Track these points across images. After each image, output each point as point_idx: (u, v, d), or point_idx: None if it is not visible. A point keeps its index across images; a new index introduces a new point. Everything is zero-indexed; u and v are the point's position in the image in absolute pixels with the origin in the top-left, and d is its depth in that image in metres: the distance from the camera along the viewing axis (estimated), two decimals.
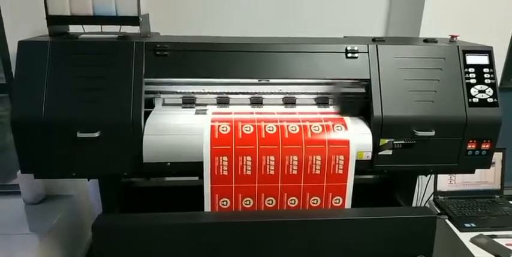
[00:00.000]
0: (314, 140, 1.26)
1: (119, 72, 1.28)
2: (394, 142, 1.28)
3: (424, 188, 1.84)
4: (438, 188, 1.82)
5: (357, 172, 1.30)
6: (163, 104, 1.43)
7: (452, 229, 1.62)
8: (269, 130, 1.26)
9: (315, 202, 1.31)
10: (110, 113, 1.25)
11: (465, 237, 1.56)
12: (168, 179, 1.68)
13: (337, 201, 1.31)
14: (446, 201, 1.80)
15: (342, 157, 1.26)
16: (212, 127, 1.25)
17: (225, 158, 1.23)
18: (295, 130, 1.26)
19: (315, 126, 1.28)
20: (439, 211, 1.74)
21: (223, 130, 1.24)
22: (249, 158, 1.24)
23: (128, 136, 1.25)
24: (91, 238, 1.24)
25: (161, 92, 1.41)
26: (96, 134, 1.23)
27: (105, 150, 1.26)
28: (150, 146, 1.25)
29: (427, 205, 1.84)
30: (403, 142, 1.28)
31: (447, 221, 1.66)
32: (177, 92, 1.41)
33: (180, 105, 1.42)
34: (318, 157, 1.25)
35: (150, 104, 1.42)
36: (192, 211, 1.29)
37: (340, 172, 1.28)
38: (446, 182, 1.82)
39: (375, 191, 1.61)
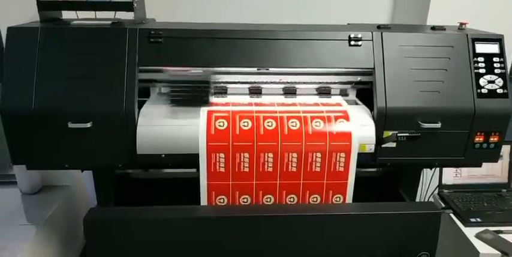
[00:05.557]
0: (315, 137, 1.20)
1: (111, 60, 1.22)
2: (398, 134, 1.22)
3: (429, 181, 1.79)
4: (443, 181, 1.76)
5: (359, 165, 1.25)
6: (159, 93, 1.39)
7: (457, 223, 1.57)
8: (268, 126, 1.20)
9: (315, 200, 1.27)
10: (102, 102, 1.20)
11: (470, 232, 1.51)
12: (166, 170, 1.64)
13: (338, 199, 1.27)
14: (452, 195, 1.74)
15: (343, 154, 1.21)
16: (208, 120, 1.20)
17: (222, 155, 1.19)
18: (295, 126, 1.21)
19: (316, 121, 1.22)
20: (443, 205, 1.69)
21: (219, 126, 1.19)
22: (246, 155, 1.19)
23: (120, 126, 1.20)
24: None
25: (157, 81, 1.36)
26: (88, 125, 1.19)
27: (97, 141, 1.22)
28: (144, 137, 1.20)
29: (431, 198, 1.79)
30: (408, 134, 1.22)
31: (452, 215, 1.62)
32: (173, 81, 1.36)
33: None
34: (318, 154, 1.21)
35: (146, 93, 1.37)
36: (190, 204, 1.25)
37: (341, 169, 1.23)
38: (452, 175, 1.77)
39: (377, 184, 1.57)
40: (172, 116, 1.24)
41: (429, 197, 1.81)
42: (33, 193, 1.80)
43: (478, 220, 1.56)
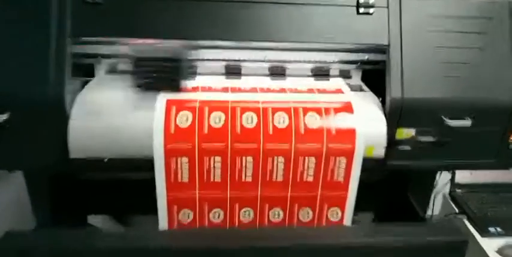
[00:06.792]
0: (308, 137, 0.91)
1: (34, 28, 0.89)
2: (421, 139, 0.93)
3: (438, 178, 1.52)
4: (456, 179, 1.50)
5: (363, 170, 0.97)
6: (108, 72, 1.07)
7: (472, 232, 1.32)
8: (247, 123, 0.90)
9: (306, 215, 0.99)
10: (21, 86, 0.88)
11: (489, 245, 1.26)
12: None
13: (335, 213, 0.99)
14: (465, 195, 1.48)
15: (343, 160, 0.92)
16: (167, 114, 0.89)
17: (185, 160, 0.89)
18: (283, 123, 0.91)
19: (310, 116, 0.92)
20: (456, 208, 1.43)
21: (182, 121, 0.89)
22: (218, 159, 0.89)
23: (47, 119, 0.89)
24: None
25: (103, 56, 1.03)
26: (4, 117, 0.87)
27: (19, 138, 0.91)
28: (78, 135, 0.89)
29: (440, 198, 1.52)
30: (432, 138, 0.93)
31: (466, 221, 1.36)
32: (124, 56, 1.03)
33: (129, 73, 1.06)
34: (312, 159, 0.92)
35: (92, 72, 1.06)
36: (147, 207, 0.96)
37: (341, 179, 0.94)
38: (467, 172, 1.50)
39: (381, 186, 1.30)
40: (119, 106, 0.93)
41: (437, 194, 1.55)
42: None
43: (498, 230, 1.30)
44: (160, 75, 0.93)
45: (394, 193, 1.29)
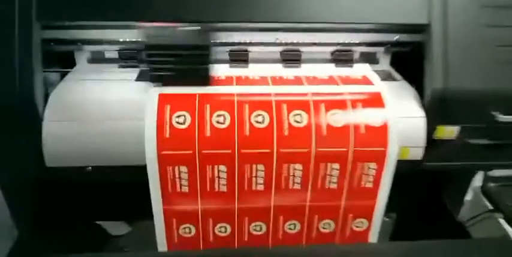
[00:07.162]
0: (331, 139, 0.75)
1: None
2: (470, 140, 0.77)
3: None
4: (489, 172, 1.34)
5: (396, 173, 0.82)
6: (90, 60, 0.91)
7: (510, 234, 1.18)
8: (257, 122, 0.74)
9: (327, 227, 0.85)
10: None
11: None
12: None
13: (360, 225, 0.85)
14: (500, 190, 1.33)
15: (373, 165, 0.77)
16: (160, 113, 0.73)
17: (184, 169, 0.74)
18: (301, 122, 0.75)
19: (333, 113, 0.76)
20: (489, 205, 1.28)
21: (179, 123, 0.73)
22: (222, 168, 0.74)
23: (15, 122, 0.74)
24: None
25: (83, 42, 0.87)
26: None
27: None
28: (55, 141, 0.74)
29: (470, 192, 1.37)
30: (484, 140, 0.77)
31: (501, 221, 1.21)
32: (110, 42, 0.87)
33: (118, 62, 0.90)
34: (335, 165, 0.76)
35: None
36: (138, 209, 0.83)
37: (369, 185, 0.80)
38: None
39: (406, 180, 1.15)
40: (103, 104, 0.77)
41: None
42: None
43: None
44: (185, 66, 0.77)
45: (422, 189, 1.15)
